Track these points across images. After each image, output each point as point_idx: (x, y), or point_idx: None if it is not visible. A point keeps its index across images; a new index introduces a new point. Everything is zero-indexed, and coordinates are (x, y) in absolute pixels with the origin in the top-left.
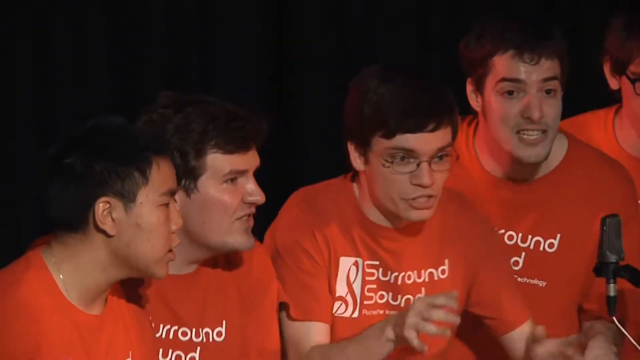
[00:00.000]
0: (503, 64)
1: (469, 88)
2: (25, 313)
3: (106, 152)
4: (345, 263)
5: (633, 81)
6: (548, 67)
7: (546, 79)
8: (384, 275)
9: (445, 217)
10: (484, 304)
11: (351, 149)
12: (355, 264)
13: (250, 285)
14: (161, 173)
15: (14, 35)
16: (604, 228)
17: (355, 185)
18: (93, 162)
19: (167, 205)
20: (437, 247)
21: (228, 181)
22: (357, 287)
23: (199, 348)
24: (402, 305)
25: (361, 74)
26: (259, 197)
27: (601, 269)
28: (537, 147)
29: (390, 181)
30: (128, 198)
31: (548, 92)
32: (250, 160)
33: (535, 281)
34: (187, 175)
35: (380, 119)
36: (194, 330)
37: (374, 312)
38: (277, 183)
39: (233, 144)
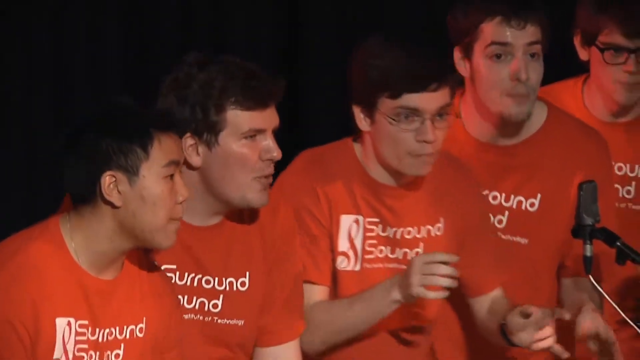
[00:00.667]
0: (492, 29)
1: (457, 55)
2: (28, 270)
3: (111, 130)
4: (347, 220)
5: (602, 50)
6: (532, 32)
7: (531, 43)
8: (384, 230)
9: (443, 179)
10: (462, 265)
11: (357, 111)
12: (357, 221)
13: (274, 240)
14: (163, 148)
15: (31, 21)
16: (581, 193)
17: (357, 146)
18: (99, 139)
19: (171, 177)
20: (434, 206)
21: (247, 137)
22: (358, 243)
23: (222, 296)
24: (401, 258)
25: (365, 41)
26: (275, 153)
27: (578, 231)
28: (523, 105)
29: (397, 138)
30: (131, 172)
31: (532, 55)
32: (268, 118)
33: (518, 238)
34: (209, 130)
35: (386, 81)
36: (217, 279)
37: (375, 266)
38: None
39: (251, 101)
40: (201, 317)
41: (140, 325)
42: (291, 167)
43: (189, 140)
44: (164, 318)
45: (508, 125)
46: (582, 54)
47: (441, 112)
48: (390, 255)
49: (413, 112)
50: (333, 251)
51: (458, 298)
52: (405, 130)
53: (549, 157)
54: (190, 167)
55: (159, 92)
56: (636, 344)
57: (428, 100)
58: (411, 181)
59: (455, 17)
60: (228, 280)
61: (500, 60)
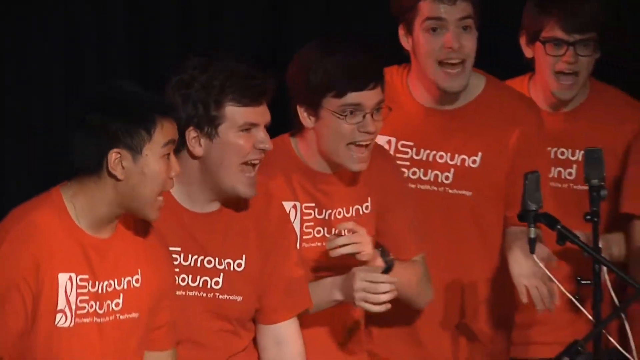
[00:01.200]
0: (427, 6)
1: (401, 32)
2: (32, 232)
3: (120, 113)
4: (285, 206)
5: (544, 42)
6: (463, 7)
7: (462, 18)
8: (319, 213)
9: (371, 164)
10: (384, 234)
11: (301, 110)
12: (294, 207)
13: (268, 228)
14: (163, 131)
15: (44, 15)
16: (526, 182)
17: (293, 141)
18: (109, 120)
19: (168, 155)
20: (362, 188)
21: (243, 130)
22: (296, 225)
23: (222, 274)
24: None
25: (303, 48)
26: (267, 144)
27: (523, 215)
28: (457, 78)
29: (343, 131)
30: (136, 150)
31: (465, 28)
32: (261, 114)
33: (464, 192)
34: (209, 123)
35: (330, 84)
36: (217, 259)
37: (312, 245)
38: None
39: (247, 98)
40: (204, 294)
41: (136, 276)
42: None
43: (192, 133)
44: (157, 268)
45: (446, 94)
46: (527, 52)
47: (378, 107)
48: (327, 235)
49: (356, 108)
50: None
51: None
52: (350, 123)
53: (488, 119)
54: (192, 156)
55: (165, 90)
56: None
57: (368, 97)
58: (344, 169)
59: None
60: (226, 260)
61: (436, 33)
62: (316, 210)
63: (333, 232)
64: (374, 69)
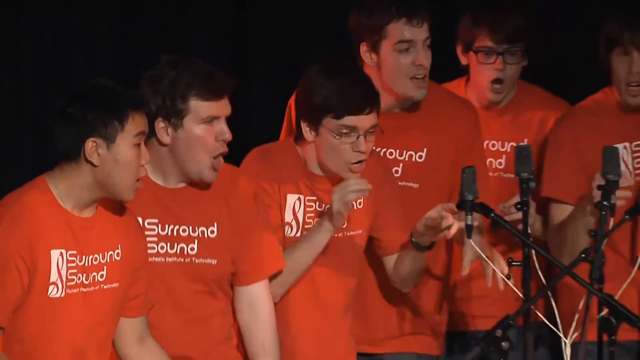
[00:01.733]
0: (398, 30)
1: (363, 49)
2: (25, 215)
3: (96, 105)
4: (291, 198)
5: (476, 52)
6: (426, 28)
7: (426, 38)
8: (319, 207)
9: (365, 170)
10: (376, 229)
11: (304, 125)
12: (299, 199)
13: (237, 204)
14: (135, 122)
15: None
16: (463, 175)
17: (298, 147)
18: (86, 112)
19: (139, 145)
20: None
21: (206, 122)
22: (300, 215)
23: (196, 241)
24: None
25: (308, 71)
26: (227, 135)
27: (462, 204)
28: (424, 89)
29: (338, 150)
30: (110, 140)
31: (427, 46)
32: (222, 107)
33: (411, 184)
34: (175, 115)
35: (330, 106)
36: (191, 227)
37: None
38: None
39: (209, 93)
40: (182, 260)
41: (117, 250)
42: (248, 160)
43: (160, 124)
44: (135, 242)
45: (408, 101)
46: (463, 60)
47: (371, 130)
48: None
49: (351, 129)
50: (282, 219)
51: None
52: (344, 143)
53: (431, 119)
54: (161, 144)
55: (138, 84)
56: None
57: (363, 120)
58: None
59: (360, 19)
60: (200, 228)
61: (407, 52)
62: (317, 203)
63: None
64: (371, 96)
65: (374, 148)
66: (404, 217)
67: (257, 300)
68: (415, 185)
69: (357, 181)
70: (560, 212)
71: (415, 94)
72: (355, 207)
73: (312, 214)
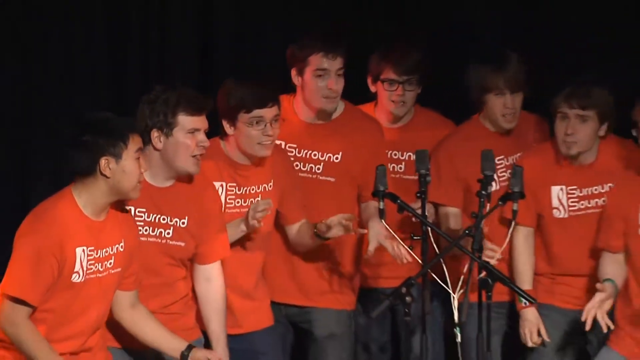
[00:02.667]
0: (317, 60)
1: (293, 73)
2: (56, 220)
3: (105, 133)
4: (216, 185)
5: (382, 82)
6: (340, 61)
7: (339, 69)
8: (239, 190)
9: (274, 157)
10: (281, 205)
11: (224, 123)
12: (222, 185)
13: (204, 200)
14: (134, 141)
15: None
16: (377, 171)
17: (222, 143)
18: (98, 138)
19: (138, 158)
20: (267, 174)
21: (190, 132)
22: (223, 197)
23: (172, 228)
24: (249, 204)
25: (223, 83)
26: (206, 143)
27: (376, 193)
28: (333, 104)
29: (251, 135)
30: (118, 157)
31: (339, 75)
32: (202, 122)
33: (329, 178)
34: (167, 127)
35: (243, 104)
36: (169, 217)
37: (233, 211)
38: None
39: (193, 111)
40: (159, 240)
41: (121, 243)
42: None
43: (155, 133)
44: (132, 236)
45: (323, 113)
46: (372, 88)
47: (275, 119)
48: (244, 204)
49: (260, 119)
50: None
51: None
52: (255, 130)
53: (346, 130)
54: (155, 149)
55: (139, 104)
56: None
57: (268, 112)
58: (258, 160)
59: (293, 50)
60: (175, 219)
61: (323, 78)
62: (236, 188)
63: (251, 202)
64: (271, 94)
65: (283, 146)
66: (302, 199)
67: (211, 277)
68: (332, 179)
69: (264, 203)
70: (444, 210)
71: (326, 106)
72: (267, 189)
73: (233, 197)
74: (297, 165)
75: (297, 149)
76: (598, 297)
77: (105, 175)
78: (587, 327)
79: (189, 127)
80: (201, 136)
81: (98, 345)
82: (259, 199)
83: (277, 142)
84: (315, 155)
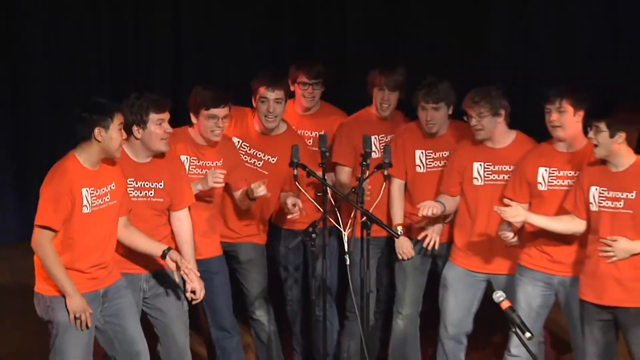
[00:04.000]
0: (262, 91)
1: (254, 99)
2: (67, 171)
3: (98, 111)
4: (183, 157)
5: (298, 83)
6: (278, 93)
7: (277, 98)
8: (198, 162)
9: (224, 143)
10: (229, 177)
11: (191, 115)
12: (187, 158)
13: (173, 167)
14: (117, 118)
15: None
16: (292, 149)
17: (190, 129)
18: (94, 114)
19: (120, 130)
20: (219, 154)
21: (158, 124)
22: (186, 166)
23: (153, 190)
24: (205, 173)
25: (195, 88)
26: (170, 130)
27: (292, 164)
28: (271, 123)
29: (207, 126)
30: (106, 128)
31: (278, 102)
32: (166, 116)
33: (265, 172)
34: (142, 122)
35: (203, 103)
36: (150, 182)
37: (194, 176)
38: None
39: (158, 110)
40: (145, 199)
41: (113, 183)
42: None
43: (135, 127)
44: (120, 179)
45: (266, 129)
46: (292, 88)
47: (225, 116)
48: (200, 173)
49: (214, 116)
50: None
51: None
52: (211, 122)
53: (283, 144)
54: (136, 138)
55: (121, 106)
56: None
57: (220, 111)
58: (213, 143)
59: (254, 82)
60: (154, 183)
61: (264, 103)
62: (197, 160)
63: (205, 172)
64: (224, 98)
65: (239, 142)
66: (243, 175)
67: (182, 218)
68: (267, 173)
69: (217, 175)
70: (340, 169)
71: (267, 125)
72: (219, 164)
73: (194, 166)
74: (245, 158)
75: (248, 147)
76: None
77: (97, 140)
78: (425, 245)
79: (157, 119)
80: (166, 125)
81: (111, 265)
82: (213, 167)
83: (236, 139)
84: (259, 154)
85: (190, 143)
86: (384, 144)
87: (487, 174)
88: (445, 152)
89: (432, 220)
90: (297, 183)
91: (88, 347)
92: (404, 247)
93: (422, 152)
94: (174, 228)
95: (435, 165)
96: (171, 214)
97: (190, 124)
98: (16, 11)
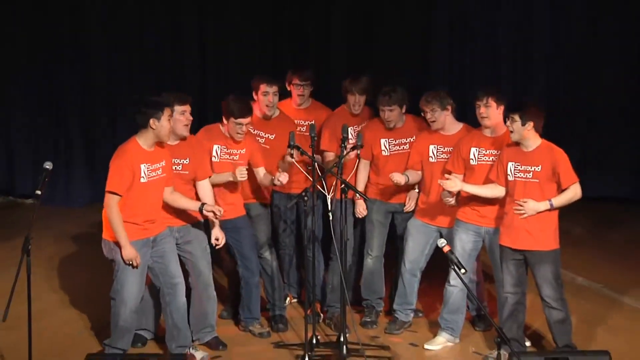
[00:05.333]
0: (263, 87)
1: (255, 93)
2: (128, 151)
3: (152, 106)
4: (216, 146)
5: (293, 85)
6: (275, 88)
7: (275, 91)
8: (227, 150)
9: (247, 138)
10: (252, 159)
11: (224, 117)
12: (219, 147)
13: (195, 150)
14: (167, 111)
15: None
16: (290, 135)
17: (221, 126)
18: (148, 109)
19: (169, 120)
20: (243, 145)
21: (182, 113)
22: (218, 153)
23: (181, 165)
24: (232, 159)
25: (227, 98)
26: (190, 118)
27: (289, 145)
28: (271, 110)
29: (235, 130)
30: (158, 119)
31: (275, 95)
32: (188, 108)
33: (266, 146)
34: (158, 117)
35: (233, 113)
36: (179, 159)
37: (224, 160)
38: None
39: (182, 102)
40: (178, 172)
41: (163, 161)
42: (201, 131)
43: (152, 120)
44: (169, 158)
45: (266, 115)
46: (288, 87)
47: (248, 124)
48: (229, 158)
49: (239, 124)
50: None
51: None
52: (237, 128)
53: (278, 124)
54: (152, 130)
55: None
56: None
57: (244, 121)
58: (238, 139)
59: (253, 82)
60: (182, 160)
61: (265, 96)
62: (226, 148)
63: (233, 158)
64: (248, 111)
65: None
66: (262, 156)
67: (204, 186)
68: (268, 147)
69: (243, 173)
70: (327, 154)
71: (268, 112)
72: (242, 153)
73: (224, 153)
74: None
75: (252, 129)
76: (413, 193)
77: (152, 128)
78: (406, 209)
79: (180, 110)
80: (187, 115)
81: (159, 220)
82: (237, 157)
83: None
84: (261, 134)
85: (221, 136)
86: (357, 132)
87: (440, 154)
88: (403, 139)
89: (403, 187)
90: (293, 160)
91: (141, 279)
92: (360, 207)
93: (386, 140)
94: (199, 193)
95: (396, 149)
96: (196, 183)
97: (222, 123)
98: (79, 20)
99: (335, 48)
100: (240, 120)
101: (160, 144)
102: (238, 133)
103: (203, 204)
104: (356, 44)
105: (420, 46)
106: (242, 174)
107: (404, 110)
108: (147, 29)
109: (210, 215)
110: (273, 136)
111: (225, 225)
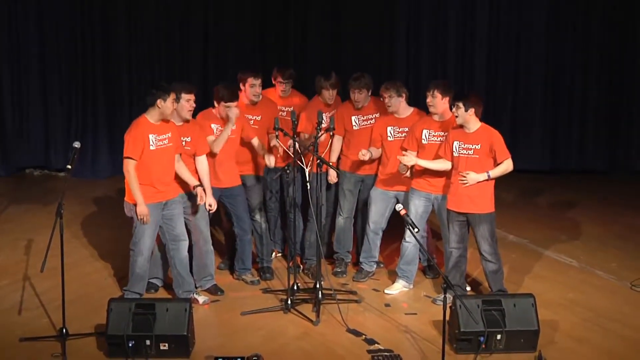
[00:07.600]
0: (251, 79)
1: (242, 84)
2: (139, 125)
3: (160, 89)
4: (213, 125)
5: (278, 82)
6: (259, 80)
7: (260, 83)
8: (221, 127)
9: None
10: (243, 131)
11: (215, 102)
12: (216, 127)
13: (195, 129)
14: (172, 95)
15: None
16: (275, 120)
17: (213, 109)
18: (158, 91)
19: (173, 102)
20: (240, 121)
21: (187, 100)
22: (215, 131)
23: (184, 141)
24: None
25: (219, 85)
26: (194, 104)
27: (275, 128)
28: (257, 97)
29: (225, 111)
30: (164, 100)
31: (260, 85)
32: (192, 95)
33: (255, 126)
34: (177, 99)
35: (223, 98)
36: (182, 137)
37: (217, 133)
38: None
39: (188, 91)
40: (185, 147)
41: (169, 133)
42: (199, 115)
43: (158, 99)
44: (175, 130)
45: (252, 102)
46: (274, 82)
47: (236, 107)
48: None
49: (229, 107)
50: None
51: None
52: (227, 109)
53: (263, 107)
54: (158, 108)
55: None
56: None
57: (232, 104)
58: (227, 118)
59: (241, 73)
60: (185, 138)
61: (253, 88)
62: (220, 127)
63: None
64: (236, 95)
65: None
66: (251, 130)
67: (202, 161)
68: (257, 127)
69: (234, 111)
70: (303, 135)
71: (255, 99)
72: (233, 129)
73: (218, 131)
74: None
75: (243, 113)
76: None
77: (158, 107)
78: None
79: (187, 98)
80: (192, 102)
81: (172, 185)
82: (230, 132)
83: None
84: (250, 116)
85: (215, 117)
86: (329, 117)
87: (396, 134)
88: (370, 115)
89: (368, 161)
90: (278, 142)
91: (154, 234)
92: (332, 176)
93: (356, 117)
94: (197, 166)
95: (364, 124)
96: (195, 158)
97: (213, 107)
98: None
99: (310, 48)
100: (229, 103)
101: (165, 120)
102: (227, 115)
103: (198, 185)
104: (327, 44)
105: (386, 44)
106: (234, 113)
107: (369, 93)
108: (165, 27)
109: (198, 197)
110: (259, 117)
111: (224, 193)
